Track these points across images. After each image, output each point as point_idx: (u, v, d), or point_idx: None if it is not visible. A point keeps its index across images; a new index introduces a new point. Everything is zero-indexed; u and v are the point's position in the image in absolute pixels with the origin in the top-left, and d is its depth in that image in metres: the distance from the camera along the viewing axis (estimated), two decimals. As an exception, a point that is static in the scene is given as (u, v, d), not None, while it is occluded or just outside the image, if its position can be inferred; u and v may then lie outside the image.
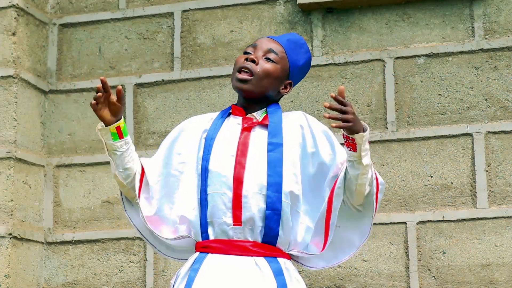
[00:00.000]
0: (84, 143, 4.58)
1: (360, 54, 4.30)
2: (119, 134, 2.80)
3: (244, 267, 2.67)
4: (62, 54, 4.69)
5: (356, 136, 2.61)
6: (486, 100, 4.13)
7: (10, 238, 4.27)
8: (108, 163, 4.56)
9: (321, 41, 4.35)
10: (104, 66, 4.62)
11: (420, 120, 4.19)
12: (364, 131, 2.63)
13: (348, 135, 2.62)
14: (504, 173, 4.06)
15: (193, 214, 2.75)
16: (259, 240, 2.70)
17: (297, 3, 4.33)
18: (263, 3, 4.46)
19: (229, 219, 2.70)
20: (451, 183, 4.11)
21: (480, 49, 4.16)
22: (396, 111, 4.22)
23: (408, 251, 4.10)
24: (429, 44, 4.23)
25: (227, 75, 4.41)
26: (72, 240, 4.52)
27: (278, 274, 2.67)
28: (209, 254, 2.70)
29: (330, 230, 2.72)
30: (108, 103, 2.77)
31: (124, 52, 4.61)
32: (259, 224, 2.69)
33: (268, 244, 2.70)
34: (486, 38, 4.17)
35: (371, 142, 4.22)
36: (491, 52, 4.15)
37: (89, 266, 4.48)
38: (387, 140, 4.21)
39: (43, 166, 4.57)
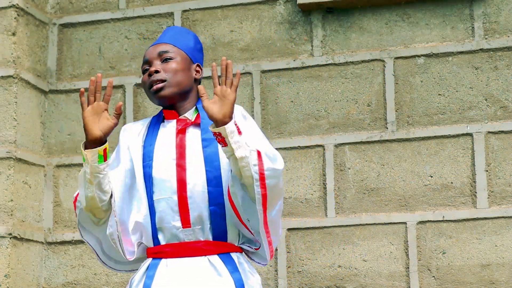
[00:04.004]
0: (84, 143, 4.58)
1: (360, 54, 4.30)
2: (105, 156, 2.70)
3: (199, 267, 2.68)
4: (62, 54, 4.69)
5: (221, 129, 2.57)
6: (486, 100, 4.13)
7: (10, 238, 4.27)
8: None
9: (321, 41, 4.35)
10: (104, 66, 4.62)
11: (420, 120, 4.19)
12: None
13: (215, 131, 2.59)
14: (504, 173, 4.06)
15: (145, 220, 2.75)
16: (210, 238, 2.71)
17: (297, 3, 4.33)
18: (263, 3, 4.46)
19: (177, 222, 2.71)
20: (451, 183, 4.11)
21: (480, 49, 4.16)
22: (396, 111, 4.21)
23: (408, 251, 4.10)
24: (429, 44, 4.23)
25: (227, 75, 4.41)
26: (72, 240, 4.51)
27: (234, 270, 2.69)
28: (163, 259, 2.71)
29: (248, 226, 2.70)
30: (101, 116, 2.70)
31: (124, 52, 4.61)
32: (208, 222, 2.70)
33: (220, 240, 2.71)
34: (486, 38, 4.17)
35: (370, 142, 4.22)
36: (491, 52, 4.15)
37: (89, 266, 4.48)
38: (387, 140, 4.20)
39: (43, 166, 4.57)
